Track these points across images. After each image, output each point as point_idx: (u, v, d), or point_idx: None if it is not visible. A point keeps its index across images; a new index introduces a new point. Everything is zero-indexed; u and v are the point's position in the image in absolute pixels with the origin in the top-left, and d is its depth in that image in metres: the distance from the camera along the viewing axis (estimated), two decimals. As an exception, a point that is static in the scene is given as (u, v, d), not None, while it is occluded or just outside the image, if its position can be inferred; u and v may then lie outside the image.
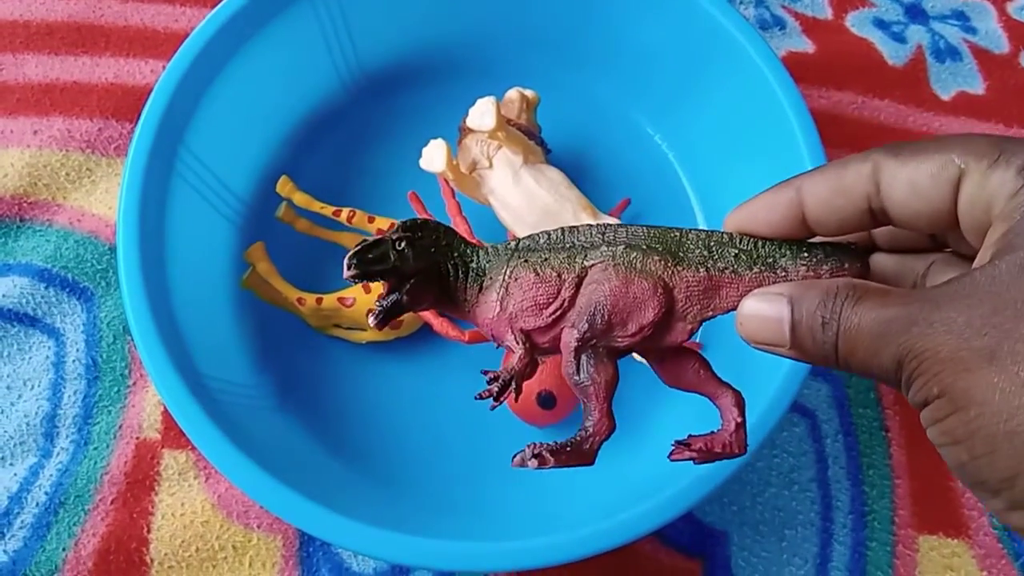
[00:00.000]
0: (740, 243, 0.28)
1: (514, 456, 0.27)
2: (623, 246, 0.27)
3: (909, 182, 0.25)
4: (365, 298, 0.46)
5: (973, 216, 0.24)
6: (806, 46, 0.61)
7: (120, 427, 0.47)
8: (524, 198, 0.45)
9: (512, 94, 0.48)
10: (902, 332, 0.22)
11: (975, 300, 0.22)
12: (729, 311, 0.27)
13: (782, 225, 0.27)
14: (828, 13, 0.62)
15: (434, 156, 0.46)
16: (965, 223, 0.24)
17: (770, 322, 0.25)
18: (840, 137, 0.58)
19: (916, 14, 0.63)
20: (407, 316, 0.47)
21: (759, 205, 0.28)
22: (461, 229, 0.45)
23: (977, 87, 0.61)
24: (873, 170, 0.25)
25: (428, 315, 0.46)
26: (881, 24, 0.62)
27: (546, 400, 0.45)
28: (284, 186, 0.48)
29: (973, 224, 0.24)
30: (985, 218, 0.24)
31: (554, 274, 0.27)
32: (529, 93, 0.49)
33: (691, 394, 0.31)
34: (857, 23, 0.62)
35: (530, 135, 0.48)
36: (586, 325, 0.27)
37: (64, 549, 0.44)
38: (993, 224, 0.23)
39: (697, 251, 0.27)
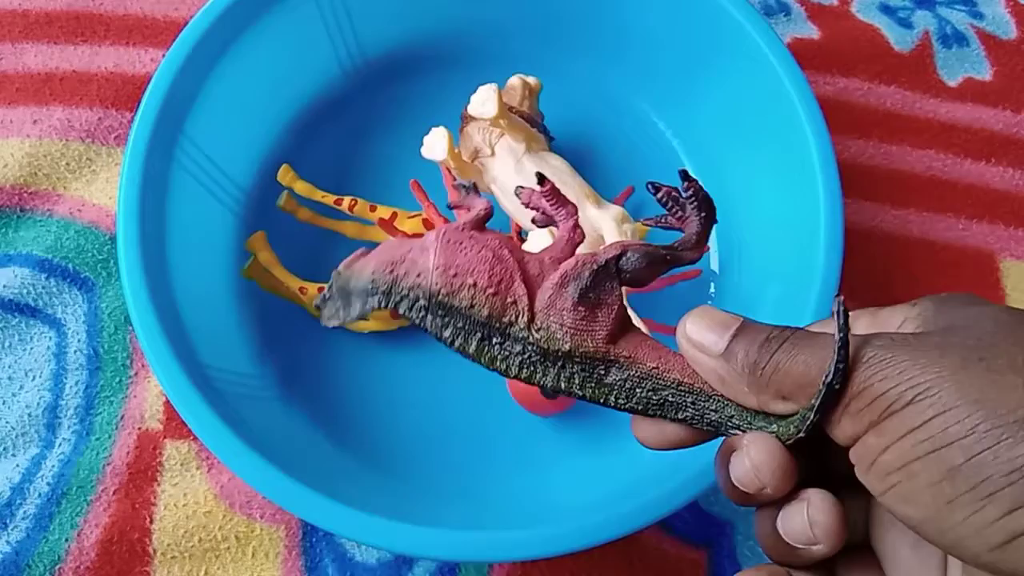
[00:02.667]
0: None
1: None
2: None
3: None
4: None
5: None
6: (812, 32, 0.60)
7: (122, 417, 0.47)
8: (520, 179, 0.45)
9: (514, 81, 0.48)
10: (858, 349, 0.23)
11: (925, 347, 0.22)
12: None
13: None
14: (834, -1, 0.62)
15: (436, 144, 0.45)
16: None
17: (717, 325, 0.26)
18: (846, 124, 0.57)
19: (922, -1, 0.63)
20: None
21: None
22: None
23: (984, 73, 0.60)
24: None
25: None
26: (887, 9, 0.62)
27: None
28: (285, 175, 0.48)
29: None
30: None
31: None
32: (531, 80, 0.48)
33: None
34: (863, 8, 0.62)
35: (532, 122, 0.47)
36: None
37: (67, 540, 0.44)
38: None
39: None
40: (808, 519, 0.25)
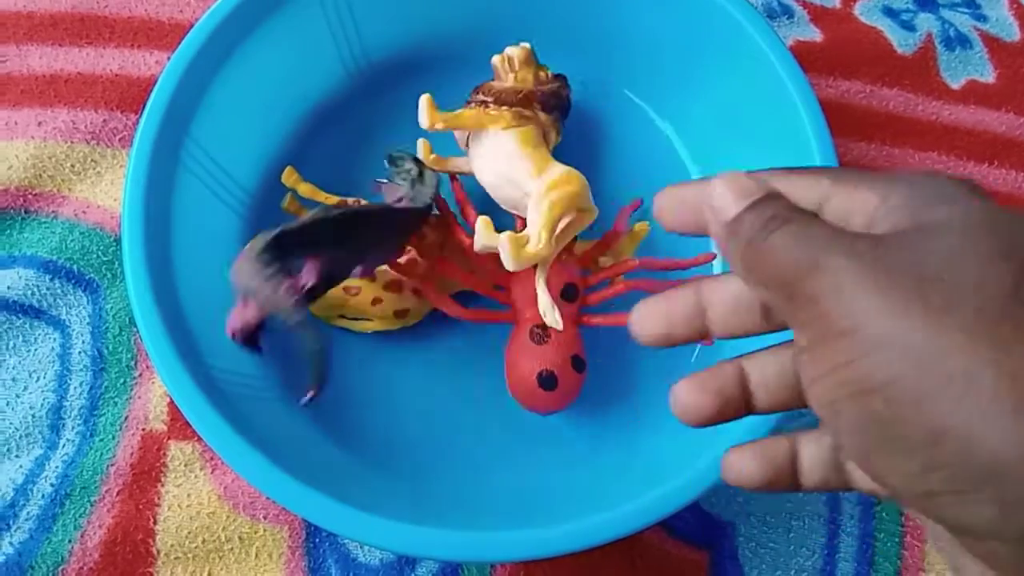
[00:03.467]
0: None
1: None
2: None
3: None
4: (370, 287, 0.46)
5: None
6: (814, 35, 0.60)
7: (126, 419, 0.47)
8: (484, 163, 0.46)
9: (494, 61, 0.47)
10: (820, 255, 0.21)
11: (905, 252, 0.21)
12: None
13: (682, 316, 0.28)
14: (837, 1, 0.62)
15: (418, 154, 0.47)
16: None
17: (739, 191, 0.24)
18: (849, 126, 0.57)
19: (925, 2, 0.63)
20: (412, 305, 0.47)
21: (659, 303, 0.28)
22: (471, 218, 0.45)
23: (987, 75, 0.60)
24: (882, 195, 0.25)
25: (437, 297, 0.45)
26: (890, 12, 0.62)
27: (547, 380, 0.43)
28: (289, 176, 0.48)
29: None
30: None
31: None
32: (512, 51, 0.47)
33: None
34: (866, 11, 0.62)
35: (528, 96, 0.46)
36: None
37: (70, 541, 0.45)
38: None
39: None
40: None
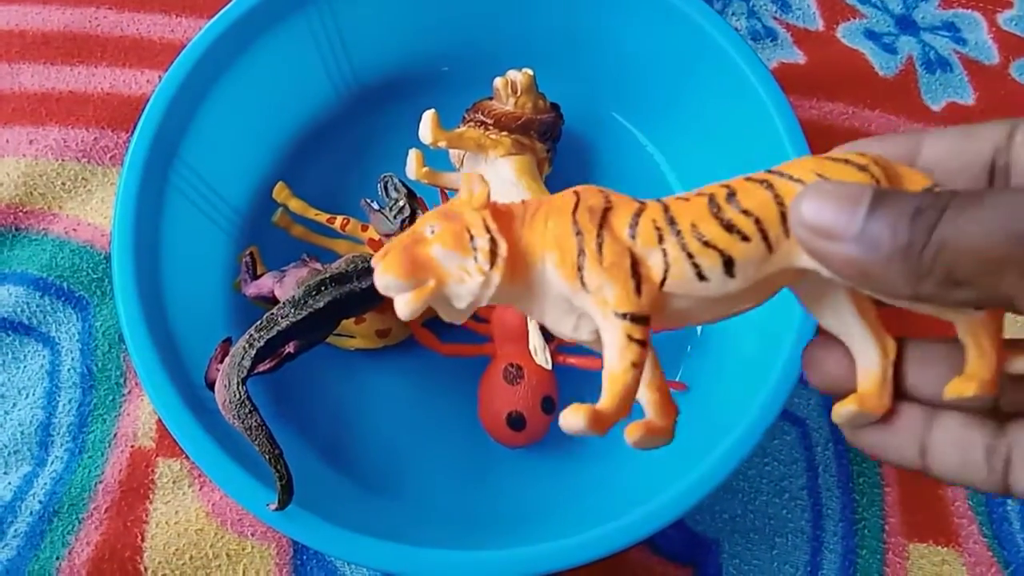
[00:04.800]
0: None
1: None
2: None
3: None
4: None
5: None
6: (797, 57, 0.61)
7: (115, 435, 0.47)
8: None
9: (497, 83, 0.48)
10: None
11: None
12: None
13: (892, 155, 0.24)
14: (819, 24, 0.63)
15: (410, 166, 0.47)
16: None
17: (843, 200, 0.20)
18: (830, 148, 0.57)
19: (907, 25, 0.64)
20: (396, 325, 0.47)
21: (873, 144, 0.25)
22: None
23: (967, 98, 0.61)
24: (1012, 126, 0.23)
25: (413, 326, 0.46)
26: (872, 35, 0.63)
27: (516, 421, 0.45)
28: (280, 192, 0.49)
29: None
30: None
31: None
32: (515, 75, 0.48)
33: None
34: (848, 34, 0.63)
35: (527, 123, 0.47)
36: None
37: (58, 558, 0.45)
38: None
39: None
40: None
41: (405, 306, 0.23)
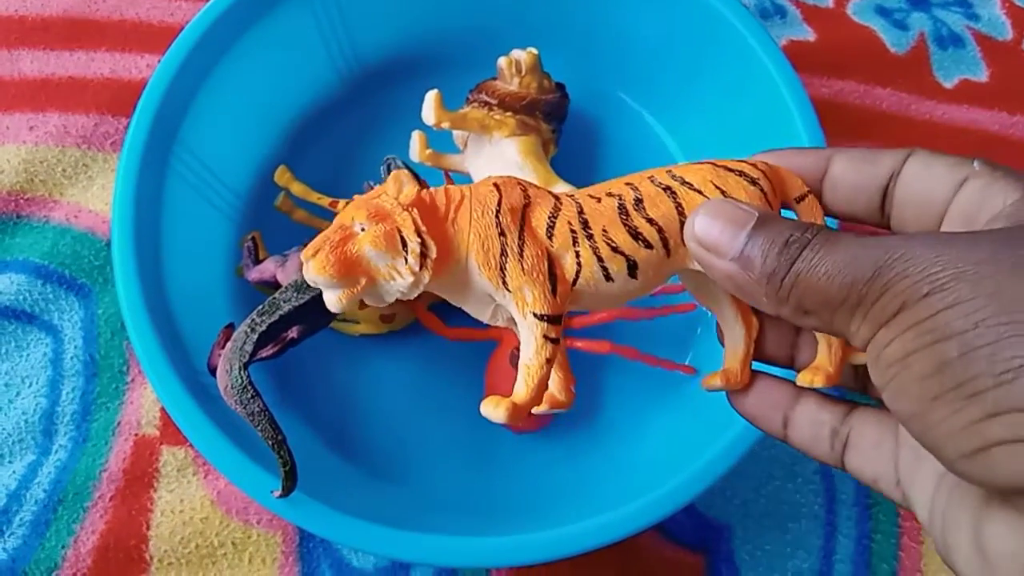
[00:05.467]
0: None
1: None
2: None
3: (926, 164, 0.25)
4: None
5: (961, 214, 0.24)
6: (807, 34, 0.60)
7: (119, 424, 0.47)
8: (484, 168, 0.46)
9: (500, 63, 0.47)
10: (882, 253, 0.21)
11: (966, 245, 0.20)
12: None
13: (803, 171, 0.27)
14: (830, 1, 0.62)
15: (413, 148, 0.46)
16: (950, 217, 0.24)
17: (729, 224, 0.23)
18: (842, 126, 0.57)
19: (918, 1, 0.63)
20: (400, 310, 0.47)
21: (789, 154, 0.27)
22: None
23: (980, 74, 0.60)
24: (907, 153, 0.25)
25: (418, 310, 0.46)
26: (883, 11, 0.62)
27: None
28: (282, 175, 0.48)
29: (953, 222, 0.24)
30: (971, 222, 0.24)
31: None
32: (520, 54, 0.47)
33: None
34: (859, 10, 0.62)
35: (532, 103, 0.46)
36: None
37: (63, 547, 0.44)
38: (986, 224, 0.23)
39: None
40: None
41: (336, 302, 0.25)
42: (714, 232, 0.23)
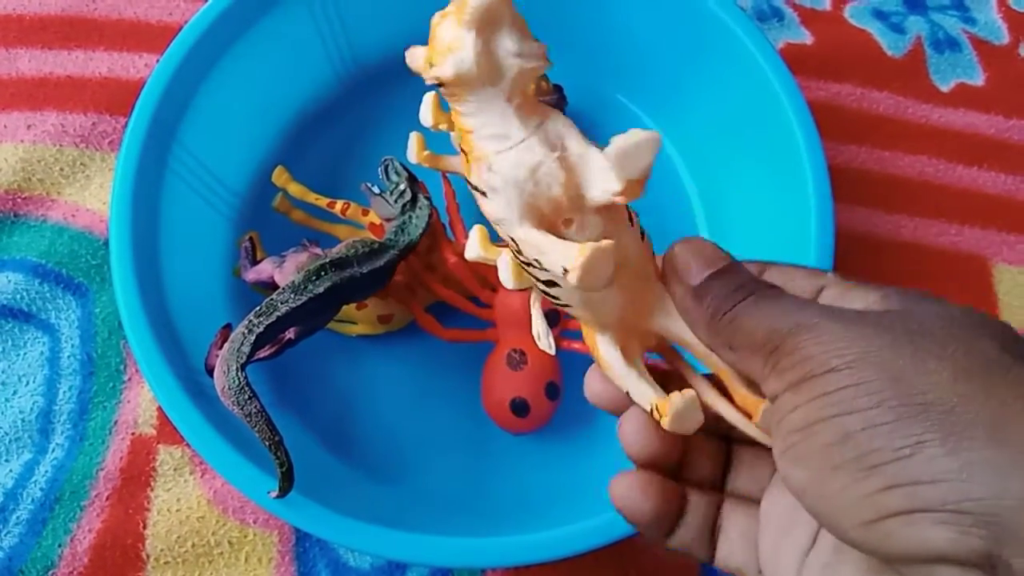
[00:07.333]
0: None
1: None
2: None
3: (783, 272, 0.27)
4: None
5: None
6: (805, 37, 0.61)
7: (115, 423, 0.47)
8: None
9: None
10: (804, 317, 0.23)
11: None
12: None
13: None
14: (827, 4, 0.62)
15: (410, 149, 0.46)
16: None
17: (704, 258, 0.26)
18: (839, 129, 0.57)
19: (915, 4, 0.63)
20: (396, 311, 0.47)
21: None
22: (460, 233, 0.45)
23: (977, 78, 0.60)
24: (824, 283, 0.27)
25: (415, 311, 0.46)
26: (880, 15, 0.62)
27: (519, 407, 0.44)
28: (280, 176, 0.48)
29: None
30: None
31: None
32: None
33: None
34: (856, 14, 0.62)
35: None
36: None
37: (60, 545, 0.44)
38: None
39: None
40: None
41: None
42: (686, 258, 0.26)
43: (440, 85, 0.26)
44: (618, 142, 0.25)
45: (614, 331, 0.27)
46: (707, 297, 0.25)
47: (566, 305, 0.27)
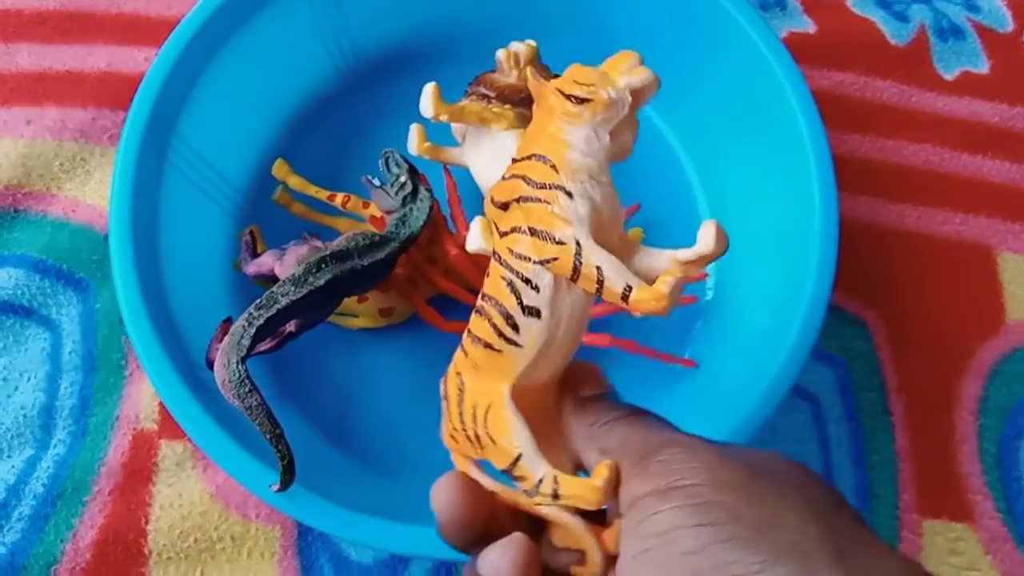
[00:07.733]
0: None
1: None
2: None
3: None
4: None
5: None
6: (807, 26, 0.60)
7: (117, 418, 0.47)
8: (482, 161, 0.45)
9: (499, 55, 0.46)
10: (677, 436, 0.26)
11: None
12: None
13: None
14: (829, -8, 0.62)
15: (411, 141, 0.46)
16: None
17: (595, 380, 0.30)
18: (842, 118, 0.57)
19: (919, -8, 0.62)
20: (397, 304, 0.47)
21: None
22: (461, 225, 0.45)
23: (981, 66, 0.60)
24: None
25: (417, 304, 0.45)
26: (883, 3, 0.62)
27: None
28: (280, 169, 0.48)
29: None
30: None
31: None
32: (518, 47, 0.47)
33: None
34: (859, 2, 0.61)
35: (530, 97, 0.46)
36: None
37: (62, 541, 0.44)
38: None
39: None
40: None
41: None
42: (578, 378, 0.29)
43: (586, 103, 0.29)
44: None
45: (526, 393, 0.28)
46: (586, 412, 0.28)
47: (530, 312, 0.27)
